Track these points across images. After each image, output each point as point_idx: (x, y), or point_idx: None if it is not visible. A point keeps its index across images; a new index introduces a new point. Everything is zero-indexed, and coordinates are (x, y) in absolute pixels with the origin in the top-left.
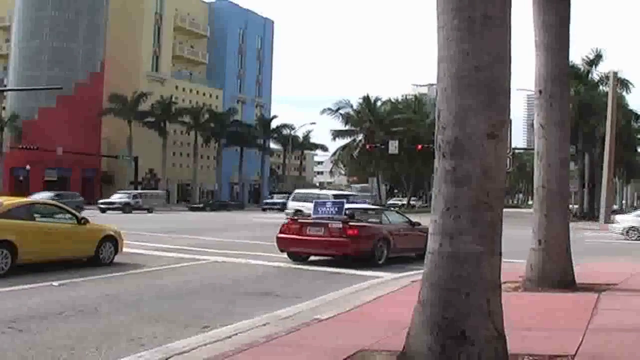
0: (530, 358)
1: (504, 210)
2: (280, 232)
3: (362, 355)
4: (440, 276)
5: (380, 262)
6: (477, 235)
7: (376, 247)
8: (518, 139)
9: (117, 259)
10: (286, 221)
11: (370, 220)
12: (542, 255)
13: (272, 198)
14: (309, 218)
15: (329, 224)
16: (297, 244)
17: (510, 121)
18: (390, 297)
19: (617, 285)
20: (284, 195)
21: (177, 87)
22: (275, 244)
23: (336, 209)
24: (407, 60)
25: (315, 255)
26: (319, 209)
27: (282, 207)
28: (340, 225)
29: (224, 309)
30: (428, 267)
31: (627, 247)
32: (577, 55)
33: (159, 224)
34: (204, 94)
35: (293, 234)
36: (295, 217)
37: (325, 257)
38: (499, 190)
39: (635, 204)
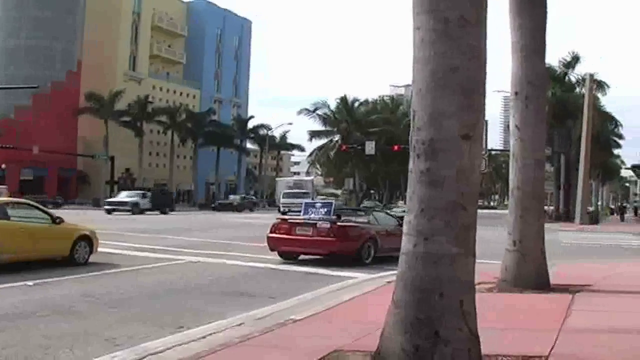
0: (504, 359)
1: (480, 211)
2: (270, 232)
3: (337, 356)
4: (414, 277)
5: (368, 261)
6: (452, 236)
7: (363, 246)
8: (495, 140)
9: (92, 258)
10: (277, 221)
11: (358, 220)
12: (517, 256)
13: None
14: (298, 218)
15: (317, 224)
16: (286, 244)
17: (486, 122)
18: (365, 297)
19: (592, 286)
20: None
21: (154, 87)
22: (250, 244)
23: (325, 209)
24: (385, 61)
25: (304, 254)
26: (308, 210)
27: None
28: (328, 226)
29: (199, 309)
30: (402, 268)
31: (601, 248)
32: (554, 57)
33: (136, 224)
34: (181, 94)
35: (283, 233)
36: (285, 217)
37: (315, 257)
38: (474, 191)
39: (611, 206)
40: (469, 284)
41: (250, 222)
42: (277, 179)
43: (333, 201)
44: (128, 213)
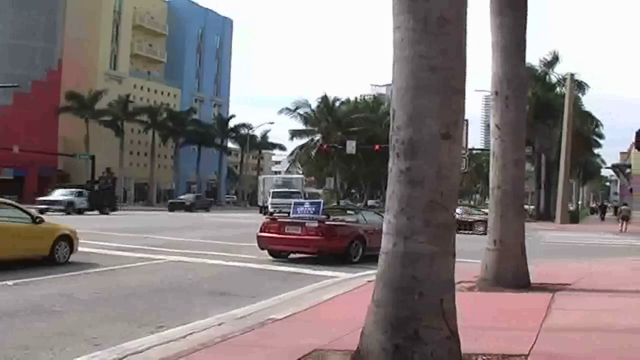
0: (484, 358)
1: None
2: (260, 230)
3: (317, 355)
4: (393, 276)
5: (356, 259)
6: (431, 235)
7: (351, 245)
8: (476, 139)
9: (72, 258)
10: (267, 220)
11: (347, 219)
12: (497, 255)
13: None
14: (287, 217)
15: (306, 223)
16: (276, 242)
17: (467, 122)
18: (345, 296)
19: (572, 285)
20: (196, 195)
21: (135, 86)
22: (229, 243)
23: (314, 208)
24: (366, 61)
25: (293, 252)
26: (297, 209)
27: (189, 206)
28: (316, 224)
29: (179, 308)
30: (382, 267)
31: (582, 247)
32: (535, 57)
33: (116, 223)
34: (162, 93)
35: (272, 232)
36: (275, 217)
37: (305, 255)
38: (453, 190)
39: (591, 205)
40: (449, 283)
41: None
42: (260, 177)
43: (321, 200)
44: (62, 213)
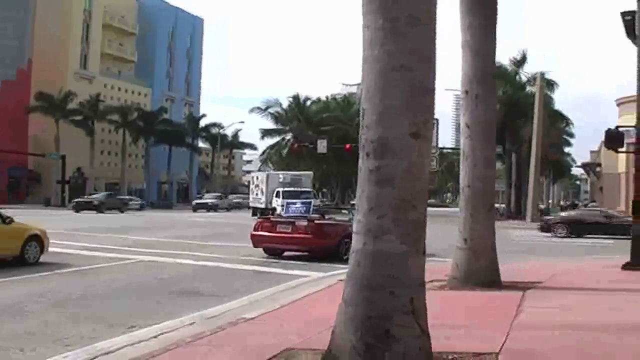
0: (455, 356)
1: (433, 209)
2: (254, 229)
3: (288, 354)
4: (364, 275)
5: (346, 257)
6: (401, 234)
7: (341, 243)
8: (446, 138)
9: (43, 258)
10: (260, 219)
11: (338, 218)
12: (467, 254)
13: (201, 198)
14: (279, 217)
15: (296, 222)
16: (268, 241)
17: (437, 121)
18: (316, 295)
19: (542, 283)
20: (217, 195)
21: (105, 85)
22: (194, 242)
23: (305, 208)
24: (337, 60)
25: (285, 250)
26: (290, 208)
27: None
28: (306, 223)
29: (150, 308)
30: (352, 266)
31: (552, 245)
32: (505, 56)
33: (87, 223)
34: (132, 92)
35: (265, 231)
36: (268, 216)
37: (299, 253)
38: (423, 189)
39: (561, 203)
40: (419, 282)
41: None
42: (256, 173)
43: (312, 200)
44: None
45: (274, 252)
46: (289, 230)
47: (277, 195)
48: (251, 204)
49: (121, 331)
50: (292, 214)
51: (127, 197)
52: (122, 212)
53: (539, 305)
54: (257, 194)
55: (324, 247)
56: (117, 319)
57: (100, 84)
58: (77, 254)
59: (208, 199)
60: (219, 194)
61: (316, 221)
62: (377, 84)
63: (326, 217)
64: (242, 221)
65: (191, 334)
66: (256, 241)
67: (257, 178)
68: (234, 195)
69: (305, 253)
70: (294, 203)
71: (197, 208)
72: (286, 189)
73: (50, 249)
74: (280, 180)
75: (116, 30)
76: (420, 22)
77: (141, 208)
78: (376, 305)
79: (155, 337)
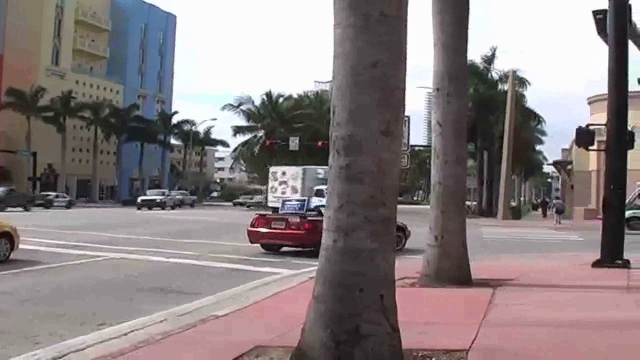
0: (425, 353)
1: (404, 207)
2: (251, 225)
3: (258, 351)
4: (334, 272)
5: None
6: (371, 231)
7: None
8: (418, 136)
9: (13, 255)
10: (256, 216)
11: None
12: (438, 251)
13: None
14: (274, 213)
15: (289, 218)
16: (264, 237)
17: (408, 118)
18: (287, 293)
19: (512, 280)
20: (162, 191)
21: (77, 82)
22: (172, 240)
23: (299, 205)
24: (310, 57)
25: (280, 245)
26: (285, 206)
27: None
28: (298, 220)
29: (121, 306)
30: (322, 263)
31: (523, 243)
32: (477, 53)
33: (58, 220)
34: (104, 89)
35: (260, 227)
36: (263, 213)
37: (292, 249)
38: (393, 186)
39: (533, 201)
40: (389, 279)
41: None
42: (276, 167)
43: (306, 198)
44: None
45: (271, 248)
46: (283, 227)
47: (319, 194)
48: (271, 204)
49: (91, 329)
50: (287, 211)
51: (53, 193)
52: (28, 210)
53: (509, 302)
54: (283, 192)
55: (317, 243)
56: (87, 317)
57: (72, 81)
58: (49, 251)
59: (154, 195)
60: (163, 190)
61: (309, 218)
62: (347, 81)
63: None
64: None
65: (161, 332)
66: (253, 237)
67: (285, 173)
68: (177, 192)
69: (299, 249)
70: (290, 200)
71: (142, 205)
72: (322, 186)
73: (21, 246)
74: (320, 176)
75: (88, 27)
76: (392, 20)
77: (69, 206)
78: (346, 303)
79: (125, 334)
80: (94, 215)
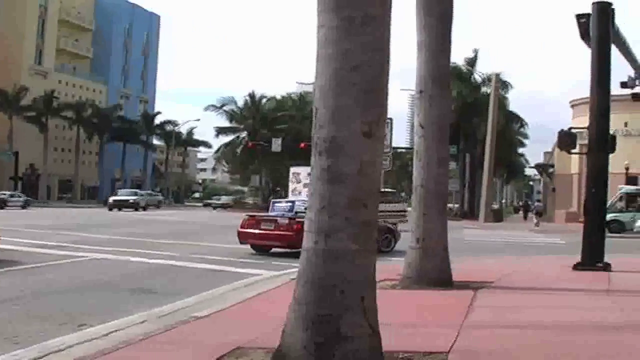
0: (406, 355)
1: None
2: (241, 226)
3: (239, 353)
4: (315, 274)
5: None
6: (352, 233)
7: None
8: (401, 138)
9: None
10: (246, 217)
11: None
12: (419, 253)
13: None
14: (264, 215)
15: (278, 219)
16: (253, 237)
17: (391, 120)
18: (268, 294)
19: (493, 282)
20: (134, 191)
21: (60, 81)
22: (152, 240)
23: (289, 206)
24: (293, 58)
25: (269, 246)
26: (275, 207)
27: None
28: (287, 221)
29: (101, 306)
30: (303, 265)
31: (504, 246)
32: (461, 56)
33: (41, 219)
34: (87, 89)
35: (250, 228)
36: (253, 214)
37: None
38: (375, 188)
39: (515, 203)
40: (370, 281)
41: None
42: (299, 168)
43: (295, 200)
44: None
45: (260, 248)
46: (272, 228)
47: None
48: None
49: (71, 329)
50: (277, 213)
51: (7, 193)
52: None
53: (490, 304)
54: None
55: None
56: (67, 317)
57: (55, 80)
58: (29, 251)
59: (126, 195)
60: (136, 190)
61: (297, 219)
62: (330, 82)
63: None
64: None
65: (142, 333)
66: (242, 238)
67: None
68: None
69: (288, 250)
70: (280, 202)
71: (113, 206)
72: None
73: (0, 246)
74: None
75: (72, 26)
76: (375, 22)
77: (25, 206)
78: (327, 304)
79: (105, 335)
80: (46, 217)
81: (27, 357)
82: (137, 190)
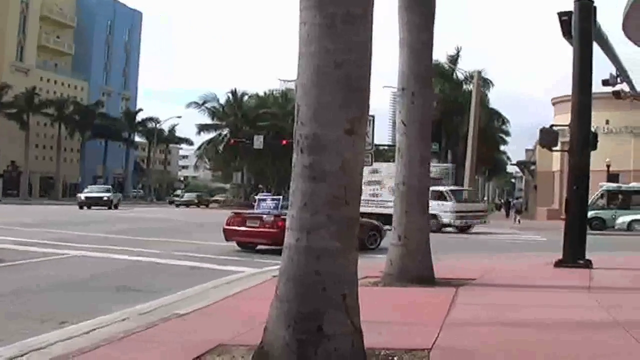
0: (387, 352)
1: None
2: (226, 224)
3: (220, 350)
4: (296, 271)
5: None
6: (334, 230)
7: None
8: (384, 136)
9: None
10: (231, 214)
11: None
12: (401, 251)
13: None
14: (249, 212)
15: (263, 216)
16: (239, 235)
17: (373, 118)
18: (250, 291)
19: (475, 280)
20: (107, 188)
21: (41, 78)
22: (134, 238)
23: (274, 204)
24: (275, 55)
25: (254, 244)
26: (260, 204)
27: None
28: (272, 218)
29: (82, 304)
30: (285, 262)
31: (485, 243)
32: (443, 54)
33: (19, 217)
34: (69, 86)
35: (235, 225)
36: (239, 211)
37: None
38: (356, 186)
39: (496, 200)
40: (352, 278)
41: None
42: (380, 164)
43: (281, 197)
44: None
45: (246, 246)
46: (257, 225)
47: (445, 197)
48: (377, 209)
49: (52, 327)
50: (262, 210)
51: None
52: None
53: (472, 302)
54: (375, 194)
55: None
56: (48, 315)
57: (36, 77)
58: (10, 248)
59: (97, 192)
60: (108, 187)
61: (282, 216)
62: (312, 80)
63: None
64: None
65: (123, 330)
66: (227, 235)
67: (377, 171)
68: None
69: (273, 247)
70: (265, 199)
71: (84, 204)
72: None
73: None
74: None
75: (54, 23)
76: (358, 19)
77: None
78: (308, 302)
79: (86, 333)
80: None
81: (7, 355)
82: (109, 187)
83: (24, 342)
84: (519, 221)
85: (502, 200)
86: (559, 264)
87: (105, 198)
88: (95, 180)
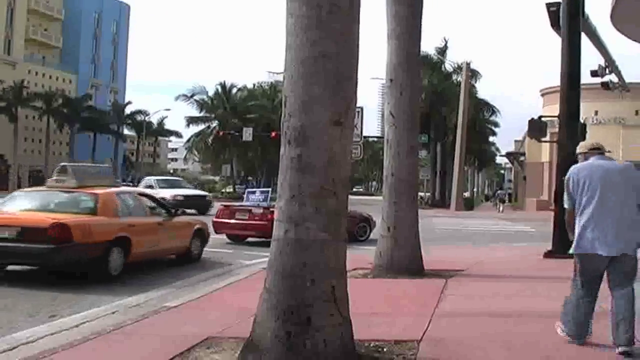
0: (377, 343)
1: (358, 197)
2: (216, 216)
3: (210, 343)
4: (285, 263)
5: None
6: (322, 222)
7: None
8: (372, 127)
9: None
10: (221, 207)
11: None
12: (391, 242)
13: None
14: (239, 205)
15: (252, 209)
16: (228, 227)
17: (362, 109)
18: (240, 284)
19: (465, 271)
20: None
21: (29, 71)
22: None
23: (263, 196)
24: (264, 47)
25: (243, 236)
26: (249, 197)
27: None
28: (261, 211)
29: (71, 297)
30: (273, 254)
31: (475, 234)
32: (432, 45)
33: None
34: (57, 79)
35: (225, 218)
36: (228, 204)
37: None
38: (344, 177)
39: (486, 192)
40: (340, 270)
41: None
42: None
43: (269, 189)
44: None
45: (235, 238)
46: (246, 218)
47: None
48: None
49: (42, 321)
50: (251, 202)
51: None
52: None
53: (461, 292)
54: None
55: None
56: (37, 309)
57: (24, 70)
58: None
59: None
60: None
61: (271, 209)
62: (299, 71)
63: None
64: None
65: (113, 323)
66: (217, 228)
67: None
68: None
69: (263, 239)
70: (254, 192)
71: None
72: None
73: None
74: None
75: (41, 15)
76: (344, 10)
77: None
78: (297, 294)
79: (76, 326)
80: None
81: None
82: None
83: (13, 335)
84: (503, 210)
85: (492, 192)
86: (548, 254)
87: None
88: None
